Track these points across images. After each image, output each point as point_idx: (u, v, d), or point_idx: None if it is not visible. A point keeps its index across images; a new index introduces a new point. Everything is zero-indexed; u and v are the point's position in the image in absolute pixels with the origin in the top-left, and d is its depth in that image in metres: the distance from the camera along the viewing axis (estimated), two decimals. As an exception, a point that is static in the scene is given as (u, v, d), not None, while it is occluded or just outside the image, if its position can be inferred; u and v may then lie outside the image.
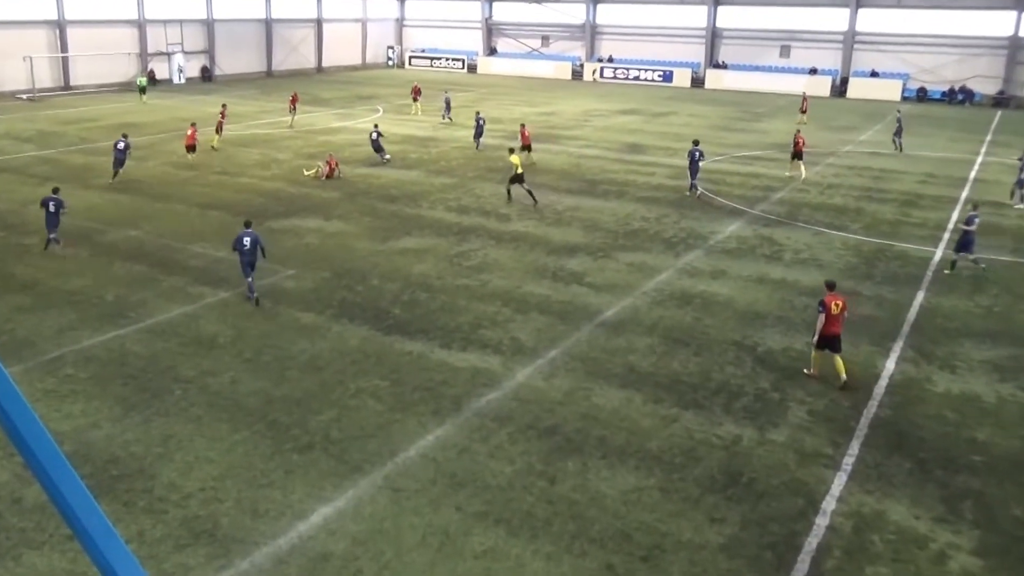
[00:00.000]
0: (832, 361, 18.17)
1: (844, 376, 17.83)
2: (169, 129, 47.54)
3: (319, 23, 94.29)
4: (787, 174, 40.14)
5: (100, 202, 32.85)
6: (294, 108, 54.26)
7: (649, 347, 19.78)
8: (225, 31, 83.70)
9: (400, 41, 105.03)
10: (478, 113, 49.13)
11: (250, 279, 21.81)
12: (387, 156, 41.41)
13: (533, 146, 44.47)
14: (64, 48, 70.78)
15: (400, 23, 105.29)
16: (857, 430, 16.04)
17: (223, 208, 31.18)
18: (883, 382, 18.12)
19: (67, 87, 70.94)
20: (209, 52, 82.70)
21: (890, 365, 18.99)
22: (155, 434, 15.36)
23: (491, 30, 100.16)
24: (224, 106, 47.69)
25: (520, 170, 32.86)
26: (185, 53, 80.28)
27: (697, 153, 35.31)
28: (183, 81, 79.51)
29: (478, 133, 45.45)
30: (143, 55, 76.61)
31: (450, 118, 55.51)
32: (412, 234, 28.76)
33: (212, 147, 43.12)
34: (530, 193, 32.94)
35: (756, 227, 30.92)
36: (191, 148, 39.71)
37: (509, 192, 33.15)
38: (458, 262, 25.77)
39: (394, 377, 17.74)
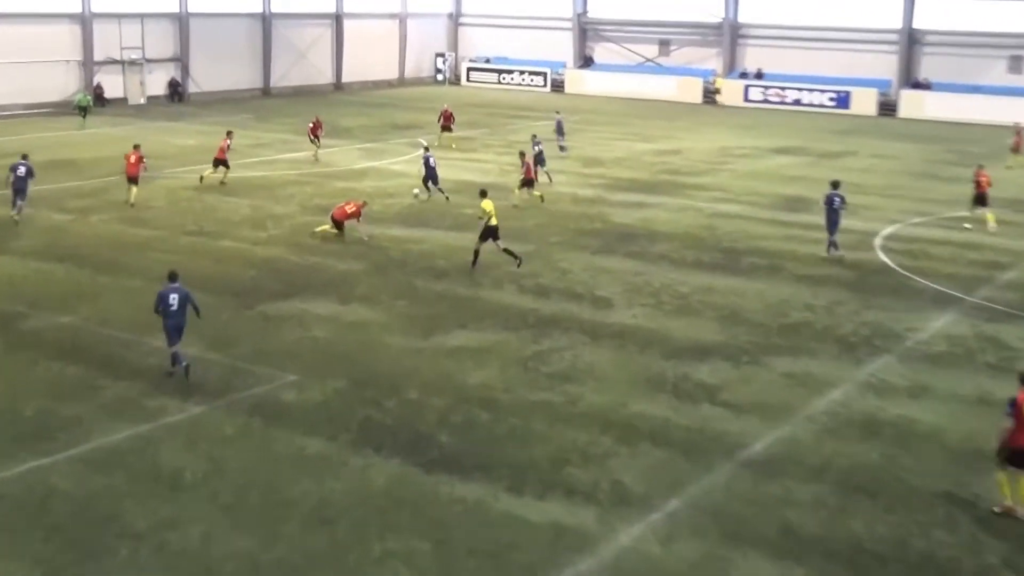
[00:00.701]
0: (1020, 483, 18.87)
1: None
2: (121, 170, 46.51)
3: (338, 20, 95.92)
4: (966, 226, 40.83)
5: (22, 273, 33.30)
6: (316, 137, 55.98)
7: (817, 498, 19.47)
8: (205, 30, 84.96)
9: (455, 47, 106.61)
10: (535, 136, 50.97)
11: (176, 348, 24.03)
12: (445, 192, 44.34)
13: (647, 199, 45.48)
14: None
15: (455, 20, 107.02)
16: None
17: (196, 284, 29.01)
18: None
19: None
20: (181, 60, 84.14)
21: None
22: (89, 613, 15.16)
23: (585, 31, 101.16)
24: (229, 134, 49.03)
25: (494, 221, 34.17)
26: (147, 61, 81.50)
27: (836, 199, 37.02)
28: (143, 101, 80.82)
29: (538, 160, 48.29)
30: (87, 63, 78.01)
31: (565, 147, 57.47)
32: (468, 326, 28.95)
33: (221, 182, 46.75)
34: (508, 252, 34.28)
35: (975, 322, 30.55)
36: (133, 180, 42.85)
37: (476, 255, 34.39)
38: (535, 367, 25.91)
39: (439, 535, 17.67)
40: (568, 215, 43.62)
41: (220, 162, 46.98)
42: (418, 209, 43.49)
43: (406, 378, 24.96)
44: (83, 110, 67.79)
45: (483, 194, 35.16)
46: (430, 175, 44.74)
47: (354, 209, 38.05)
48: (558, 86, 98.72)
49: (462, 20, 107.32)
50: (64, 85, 76.82)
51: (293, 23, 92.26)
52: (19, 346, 26.55)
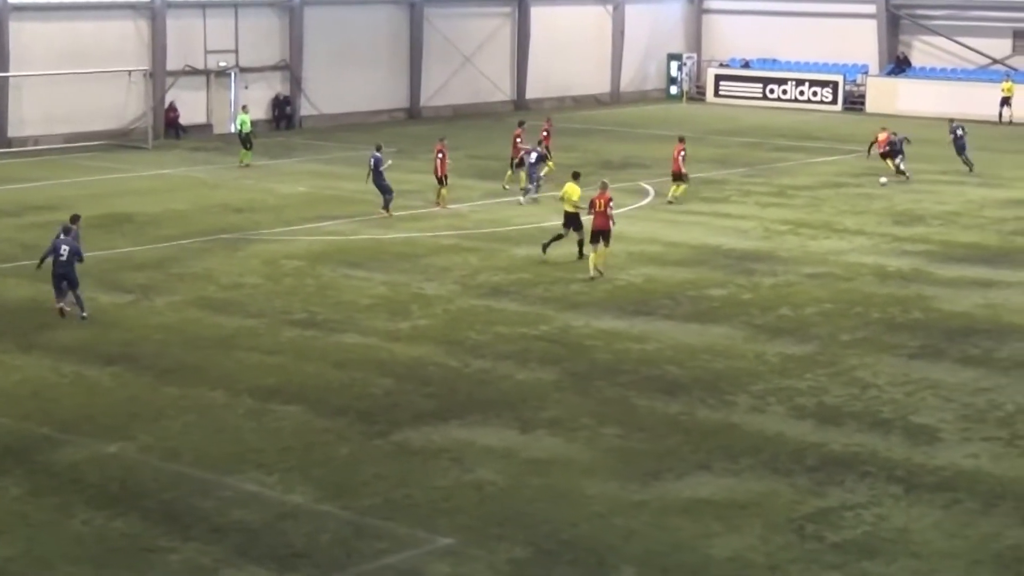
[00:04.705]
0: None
1: None
2: (211, 229, 44.48)
3: (522, 7, 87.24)
4: None
5: (54, 380, 30.34)
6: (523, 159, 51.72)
7: None
8: (326, 25, 76.12)
9: (697, 45, 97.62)
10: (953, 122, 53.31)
11: (78, 292, 31.34)
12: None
13: (993, 275, 41.51)
14: (2, 61, 63.67)
15: (697, 6, 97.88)
16: None
17: (301, 398, 28.98)
18: None
19: (1, 141, 64.66)
20: (291, 69, 77.61)
21: None
22: None
23: (897, 19, 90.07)
24: (442, 141, 49.67)
25: (568, 207, 39.55)
26: (242, 71, 77.00)
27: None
28: (237, 129, 72.11)
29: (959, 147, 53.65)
30: (157, 75, 71.00)
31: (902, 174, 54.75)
32: (713, 468, 25.90)
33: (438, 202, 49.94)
34: (581, 250, 39.66)
35: None
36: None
37: (555, 241, 40.09)
38: (817, 534, 22.79)
39: None
40: (870, 299, 38.31)
41: (440, 176, 49.84)
42: (638, 290, 39.24)
43: (617, 547, 22.18)
44: (246, 142, 61.02)
45: (574, 176, 41.24)
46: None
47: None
48: (855, 102, 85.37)
49: (708, 6, 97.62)
50: (123, 107, 68.28)
51: (455, 14, 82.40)
52: (47, 488, 24.22)
